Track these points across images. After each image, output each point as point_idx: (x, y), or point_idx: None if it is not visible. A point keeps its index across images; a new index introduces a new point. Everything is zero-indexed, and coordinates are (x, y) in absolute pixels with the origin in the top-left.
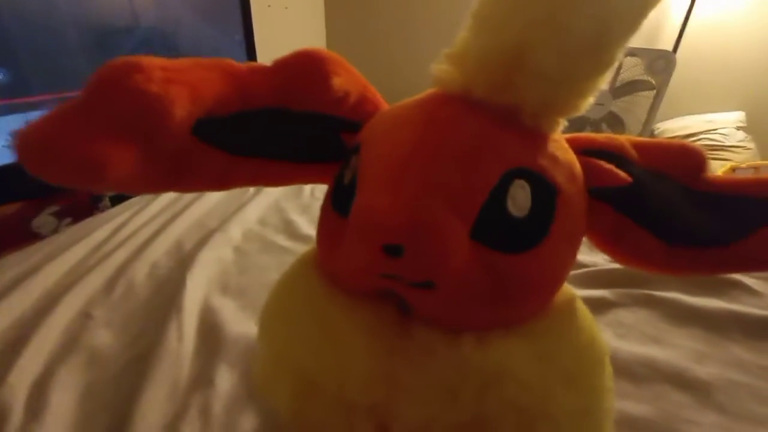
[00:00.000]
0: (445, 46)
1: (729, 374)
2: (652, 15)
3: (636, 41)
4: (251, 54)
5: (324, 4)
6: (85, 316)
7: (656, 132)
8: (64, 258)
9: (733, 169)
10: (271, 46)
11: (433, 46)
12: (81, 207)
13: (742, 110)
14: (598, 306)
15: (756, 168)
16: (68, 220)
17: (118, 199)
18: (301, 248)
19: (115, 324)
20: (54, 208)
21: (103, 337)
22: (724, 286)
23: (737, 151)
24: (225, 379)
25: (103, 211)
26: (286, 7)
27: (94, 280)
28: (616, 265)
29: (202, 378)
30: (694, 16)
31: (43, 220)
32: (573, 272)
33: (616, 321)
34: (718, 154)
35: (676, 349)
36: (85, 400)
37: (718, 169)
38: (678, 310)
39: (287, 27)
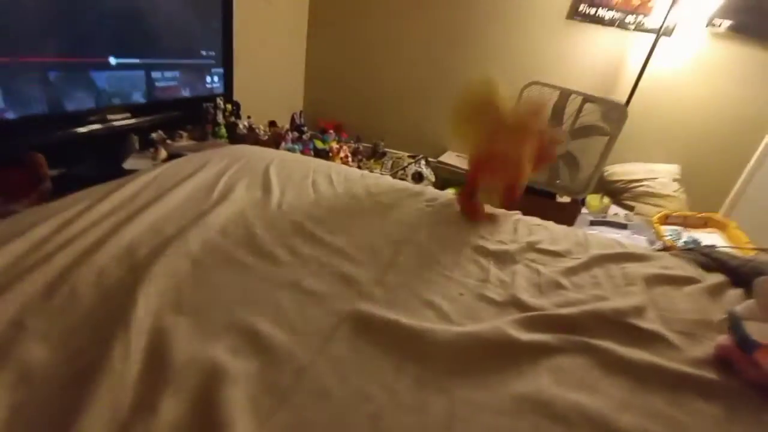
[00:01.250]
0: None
1: (647, 424)
2: (613, 67)
3: (596, 90)
4: (227, 42)
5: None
6: (17, 326)
7: (605, 174)
8: None
9: (666, 217)
10: (249, 35)
11: (410, 41)
12: (16, 186)
13: (678, 164)
14: (542, 350)
15: (685, 217)
16: None
17: (62, 182)
18: (263, 266)
19: (53, 337)
20: None
21: (37, 351)
22: (650, 339)
23: (671, 200)
24: (170, 408)
25: (42, 193)
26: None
27: (32, 284)
28: (562, 311)
29: (144, 404)
30: (646, 74)
31: None
32: (520, 315)
33: (557, 366)
34: (655, 201)
35: (604, 397)
36: (12, 423)
37: (654, 215)
38: (610, 359)
39: (268, 17)
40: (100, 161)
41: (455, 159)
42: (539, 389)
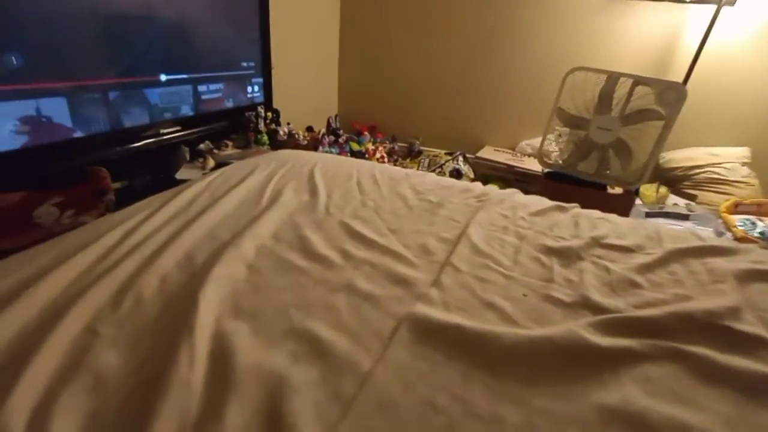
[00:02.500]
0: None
1: None
2: (666, 45)
3: (648, 71)
4: (265, 53)
5: (339, 5)
6: (91, 333)
7: (662, 162)
8: (71, 263)
9: (736, 205)
10: (286, 46)
11: (441, 35)
12: (84, 199)
13: (748, 146)
14: (624, 358)
15: (759, 205)
16: (71, 212)
17: (123, 194)
18: (317, 269)
19: (122, 343)
20: (57, 199)
21: (109, 357)
22: (753, 344)
23: (741, 187)
24: (235, 415)
25: (107, 205)
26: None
27: (102, 292)
28: (641, 313)
29: (210, 412)
30: (705, 50)
31: (45, 210)
32: (595, 317)
33: (644, 376)
34: (721, 188)
35: (706, 412)
36: (89, 429)
37: (721, 203)
38: (707, 367)
39: (302, 25)
40: (155, 173)
41: (494, 153)
42: (627, 400)
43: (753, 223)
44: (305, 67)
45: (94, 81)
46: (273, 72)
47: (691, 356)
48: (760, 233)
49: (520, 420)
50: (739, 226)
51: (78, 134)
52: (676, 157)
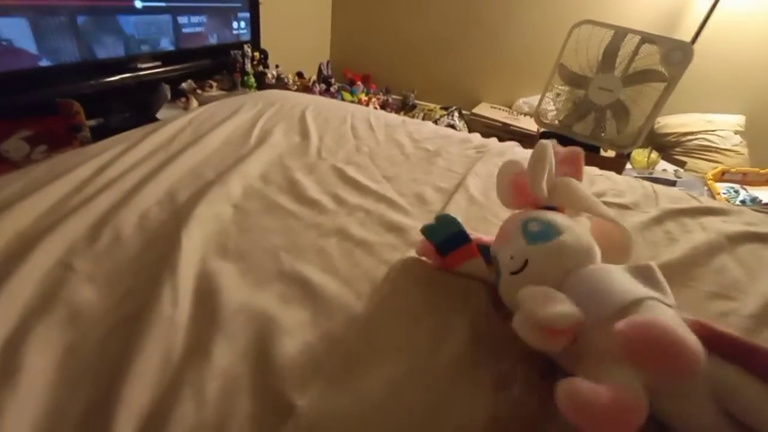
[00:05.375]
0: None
1: None
2: (676, 5)
3: (654, 28)
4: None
5: None
6: (65, 267)
7: (656, 127)
8: (41, 195)
9: (723, 173)
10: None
11: (434, 8)
12: (57, 135)
13: (744, 114)
14: None
15: (745, 174)
16: (43, 147)
17: (100, 132)
18: (308, 213)
19: (100, 279)
20: (26, 133)
21: (86, 292)
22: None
23: (730, 155)
24: (222, 355)
25: (82, 142)
26: None
27: (76, 226)
28: None
29: (197, 351)
30: (715, 13)
31: (14, 144)
32: None
33: None
34: (711, 156)
35: None
36: (66, 363)
37: (708, 171)
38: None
39: None
40: (134, 111)
41: (490, 111)
42: None
43: (736, 191)
44: (296, 4)
45: (58, 1)
46: (260, 7)
47: None
48: (741, 201)
49: None
50: (723, 194)
51: (45, 63)
52: (671, 122)
